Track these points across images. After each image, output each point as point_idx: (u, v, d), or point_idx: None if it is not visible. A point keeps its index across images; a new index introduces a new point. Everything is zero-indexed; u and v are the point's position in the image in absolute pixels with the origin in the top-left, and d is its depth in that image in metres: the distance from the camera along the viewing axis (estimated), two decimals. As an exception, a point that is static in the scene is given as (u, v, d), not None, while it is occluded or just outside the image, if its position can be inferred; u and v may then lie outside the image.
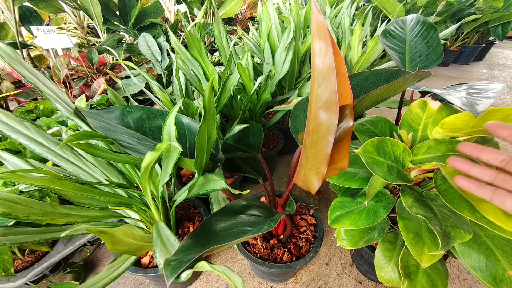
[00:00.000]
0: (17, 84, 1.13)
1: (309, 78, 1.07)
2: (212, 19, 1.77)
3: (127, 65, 1.04)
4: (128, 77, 1.19)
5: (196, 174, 0.47)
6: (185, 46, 1.40)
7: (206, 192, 0.48)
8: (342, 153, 0.28)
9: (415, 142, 0.51)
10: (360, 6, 2.36)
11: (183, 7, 1.65)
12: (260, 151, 0.65)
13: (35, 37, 1.08)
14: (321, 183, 0.28)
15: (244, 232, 0.36)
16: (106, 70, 1.18)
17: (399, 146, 0.47)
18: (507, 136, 0.28)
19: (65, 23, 1.61)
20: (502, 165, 0.29)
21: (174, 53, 0.87)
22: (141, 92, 1.20)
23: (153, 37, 1.08)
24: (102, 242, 0.84)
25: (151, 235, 0.49)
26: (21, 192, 0.57)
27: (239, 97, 0.82)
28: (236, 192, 0.47)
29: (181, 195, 0.54)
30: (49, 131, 0.69)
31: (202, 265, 0.31)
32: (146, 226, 0.61)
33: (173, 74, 0.78)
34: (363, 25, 1.51)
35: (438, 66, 2.61)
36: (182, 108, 0.73)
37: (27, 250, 0.66)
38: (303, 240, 0.66)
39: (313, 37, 0.21)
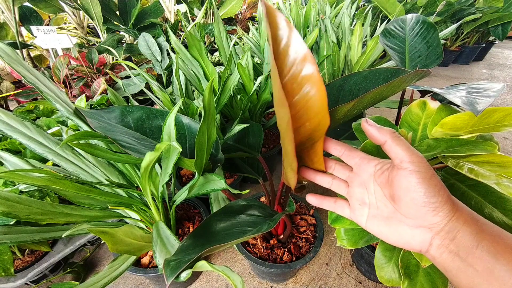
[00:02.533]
0: (17, 84, 1.13)
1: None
2: (212, 19, 1.77)
3: (127, 65, 1.05)
4: (128, 77, 1.19)
5: (196, 174, 0.48)
6: (185, 46, 1.41)
7: (206, 192, 0.48)
8: (317, 155, 0.28)
9: (414, 142, 0.51)
10: (360, 6, 2.36)
11: (183, 7, 1.65)
12: (260, 151, 0.65)
13: (35, 37, 1.08)
14: (296, 178, 0.29)
15: (244, 232, 0.36)
16: (106, 70, 1.18)
17: (399, 146, 0.47)
18: (327, 148, 0.29)
19: (65, 23, 1.61)
20: (331, 171, 0.31)
21: (174, 53, 0.87)
22: (141, 92, 1.20)
23: (153, 37, 1.08)
24: (102, 242, 0.84)
25: (151, 235, 0.49)
26: (21, 192, 0.57)
27: (239, 97, 0.82)
28: (236, 192, 0.47)
29: (181, 195, 0.54)
30: (49, 131, 0.70)
31: (202, 265, 0.31)
32: (146, 226, 0.61)
33: (173, 74, 0.78)
34: (363, 25, 1.51)
35: (438, 66, 2.60)
36: (182, 108, 0.73)
37: (27, 250, 0.66)
38: (303, 240, 0.66)
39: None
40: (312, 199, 0.32)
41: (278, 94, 0.21)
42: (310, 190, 1.04)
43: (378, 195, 0.27)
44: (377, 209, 0.27)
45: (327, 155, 0.31)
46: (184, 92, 0.80)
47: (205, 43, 1.64)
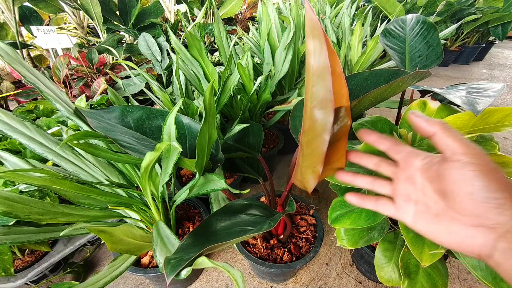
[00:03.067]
0: (17, 84, 1.13)
1: (309, 78, 1.07)
2: (212, 19, 1.77)
3: (127, 65, 1.05)
4: (128, 77, 1.19)
5: (197, 174, 0.48)
6: (185, 46, 1.41)
7: (206, 192, 0.48)
8: (338, 152, 0.28)
9: (415, 141, 0.51)
10: (360, 6, 2.36)
11: (183, 7, 1.65)
12: (260, 151, 0.65)
13: (35, 37, 1.08)
14: (317, 182, 0.28)
15: (244, 232, 0.36)
16: (106, 70, 1.18)
17: (399, 145, 0.47)
18: (372, 142, 0.29)
19: (65, 23, 1.61)
20: (375, 168, 0.30)
21: (174, 53, 0.87)
22: (141, 92, 1.20)
23: (153, 37, 1.08)
24: (102, 242, 0.84)
25: (151, 235, 0.49)
26: (21, 192, 0.57)
27: (239, 97, 0.82)
28: (236, 192, 0.47)
29: (182, 195, 0.54)
30: (49, 131, 0.70)
31: (202, 261, 0.31)
32: (146, 226, 0.61)
33: (173, 74, 0.78)
34: (363, 25, 1.51)
35: (438, 66, 2.60)
36: (182, 108, 0.73)
37: (27, 250, 0.66)
38: (303, 240, 0.66)
39: (307, 36, 0.21)
40: (353, 199, 0.31)
41: (324, 95, 0.20)
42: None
43: (427, 191, 0.25)
44: (424, 205, 0.25)
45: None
46: (184, 92, 0.80)
47: (205, 43, 1.64)
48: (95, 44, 1.47)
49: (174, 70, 0.75)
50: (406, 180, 0.27)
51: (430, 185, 0.24)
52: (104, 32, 1.36)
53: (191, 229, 0.69)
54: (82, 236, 0.69)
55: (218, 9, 1.66)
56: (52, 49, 1.14)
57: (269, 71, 0.94)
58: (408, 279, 0.48)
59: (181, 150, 0.41)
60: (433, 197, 0.24)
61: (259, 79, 0.76)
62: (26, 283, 0.63)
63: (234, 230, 0.37)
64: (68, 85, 1.05)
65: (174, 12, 1.61)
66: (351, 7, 1.45)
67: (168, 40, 1.15)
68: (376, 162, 0.30)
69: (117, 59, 1.27)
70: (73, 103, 0.48)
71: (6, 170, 0.37)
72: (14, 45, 1.11)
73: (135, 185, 0.61)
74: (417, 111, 0.25)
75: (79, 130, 0.56)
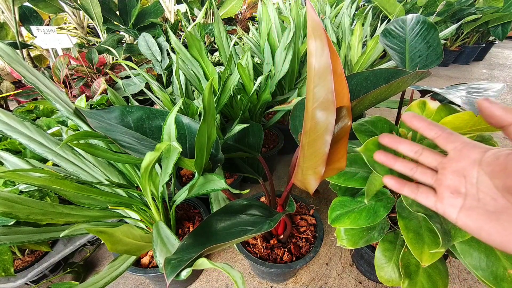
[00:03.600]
0: (17, 84, 1.13)
1: (309, 78, 1.07)
2: (212, 19, 1.77)
3: (127, 65, 1.05)
4: (128, 77, 1.19)
5: (196, 174, 0.48)
6: (185, 46, 1.41)
7: (206, 192, 0.48)
8: (339, 152, 0.28)
9: (414, 141, 0.51)
10: (360, 6, 2.37)
11: (183, 7, 1.65)
12: (260, 151, 0.65)
13: (35, 37, 1.08)
14: (318, 183, 0.28)
15: (244, 232, 0.36)
16: (106, 70, 1.18)
17: (399, 145, 0.47)
18: (419, 128, 0.27)
19: (65, 23, 1.61)
20: (416, 156, 0.29)
21: (174, 53, 0.87)
22: (141, 92, 1.20)
23: (153, 37, 1.08)
24: (102, 242, 0.84)
25: (151, 235, 0.49)
26: (21, 192, 0.57)
27: (239, 97, 0.82)
28: (236, 192, 0.47)
29: (181, 195, 0.54)
30: (49, 131, 0.70)
31: (202, 262, 0.31)
32: (146, 226, 0.61)
33: (173, 74, 0.78)
34: (363, 25, 1.51)
35: (438, 66, 2.60)
36: (182, 108, 0.73)
37: (27, 250, 0.66)
38: (303, 240, 0.66)
39: (309, 36, 0.21)
40: (391, 182, 0.29)
41: (326, 96, 0.21)
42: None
43: (484, 186, 0.23)
44: (477, 201, 0.23)
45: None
46: (184, 92, 0.80)
47: (205, 43, 1.64)
48: (95, 44, 1.47)
49: (174, 70, 0.75)
50: (455, 171, 0.25)
51: (490, 180, 0.23)
52: (104, 32, 1.36)
53: (191, 229, 0.69)
54: (82, 236, 0.69)
55: (218, 9, 1.66)
56: (52, 49, 1.14)
57: (269, 71, 0.94)
58: (408, 279, 0.48)
59: (181, 150, 0.41)
60: (492, 193, 0.22)
61: (259, 79, 0.76)
62: (26, 283, 0.63)
63: (234, 230, 0.37)
64: (68, 85, 1.05)
65: (174, 12, 1.61)
66: (351, 7, 1.45)
67: (168, 40, 1.15)
68: (418, 150, 0.28)
69: (117, 59, 1.27)
70: (73, 103, 0.48)
71: (6, 170, 0.37)
72: (14, 45, 1.11)
73: (135, 185, 0.61)
74: (489, 98, 0.23)
75: (79, 130, 0.56)
